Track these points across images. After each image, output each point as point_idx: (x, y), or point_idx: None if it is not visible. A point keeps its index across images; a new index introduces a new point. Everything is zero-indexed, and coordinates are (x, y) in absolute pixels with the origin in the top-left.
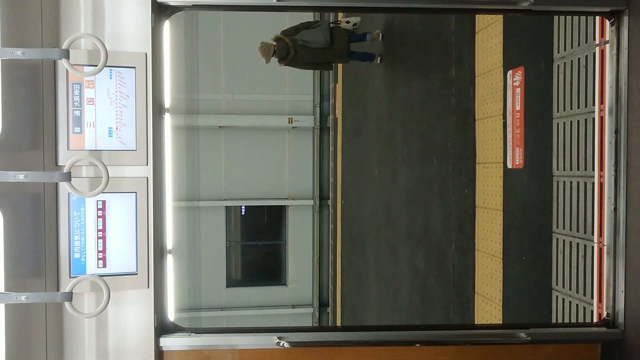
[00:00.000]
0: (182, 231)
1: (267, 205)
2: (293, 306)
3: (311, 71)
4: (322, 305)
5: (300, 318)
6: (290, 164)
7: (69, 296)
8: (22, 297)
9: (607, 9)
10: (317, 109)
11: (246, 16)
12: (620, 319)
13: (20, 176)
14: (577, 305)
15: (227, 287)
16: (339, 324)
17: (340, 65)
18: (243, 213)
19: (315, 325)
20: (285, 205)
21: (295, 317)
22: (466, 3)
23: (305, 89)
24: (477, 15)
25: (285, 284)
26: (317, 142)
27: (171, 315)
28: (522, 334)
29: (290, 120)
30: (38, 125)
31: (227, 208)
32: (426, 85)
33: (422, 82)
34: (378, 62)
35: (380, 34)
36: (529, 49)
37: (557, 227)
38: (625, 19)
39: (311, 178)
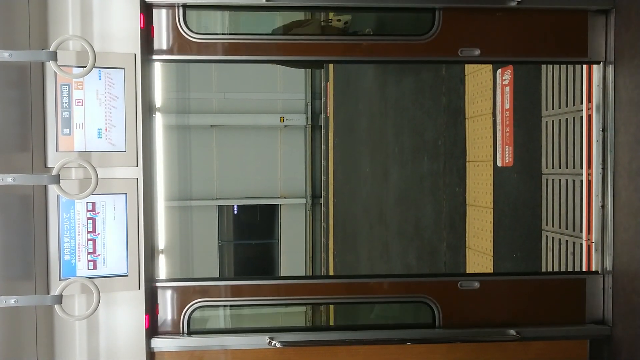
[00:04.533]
0: (174, 231)
1: (259, 204)
2: (286, 305)
3: (302, 70)
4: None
5: (294, 317)
6: (282, 162)
7: (59, 299)
8: (12, 301)
9: (594, 8)
10: (309, 108)
11: (237, 14)
12: (608, 315)
13: (9, 179)
14: None
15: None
16: (331, 322)
17: (331, 64)
18: (235, 212)
19: (308, 323)
20: (278, 204)
21: (288, 315)
22: (453, 2)
23: (296, 88)
24: None
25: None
26: (309, 140)
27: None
28: (512, 332)
29: (282, 119)
30: (26, 127)
31: (220, 207)
32: (417, 84)
33: (412, 81)
34: None
35: (371, 33)
36: None
37: (547, 225)
38: (612, 18)
39: (303, 176)
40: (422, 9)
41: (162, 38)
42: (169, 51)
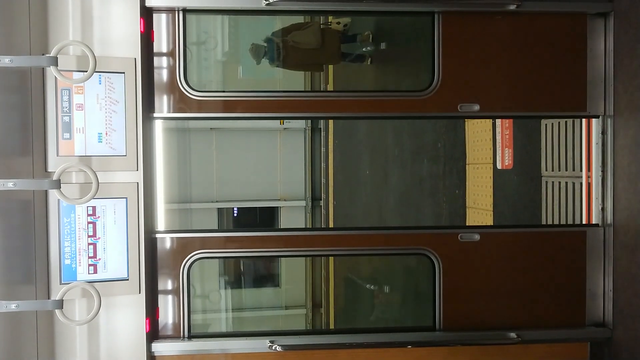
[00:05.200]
0: None
1: (259, 207)
2: (286, 307)
3: (302, 72)
4: (316, 306)
5: (294, 319)
6: (282, 165)
7: (60, 304)
8: (12, 306)
9: (593, 11)
10: None
11: (236, 18)
12: (609, 317)
13: (10, 184)
14: None
15: (219, 289)
16: (332, 325)
17: (330, 67)
18: (235, 215)
19: (308, 326)
20: (278, 207)
21: (288, 318)
22: (453, 5)
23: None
24: None
25: (279, 286)
26: (309, 143)
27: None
28: (513, 335)
29: (282, 121)
30: (27, 131)
31: (219, 210)
32: (416, 86)
33: (412, 83)
34: (368, 63)
35: (370, 35)
36: None
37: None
38: (611, 21)
39: (303, 179)
40: (420, 12)
41: (162, 97)
42: (170, 109)
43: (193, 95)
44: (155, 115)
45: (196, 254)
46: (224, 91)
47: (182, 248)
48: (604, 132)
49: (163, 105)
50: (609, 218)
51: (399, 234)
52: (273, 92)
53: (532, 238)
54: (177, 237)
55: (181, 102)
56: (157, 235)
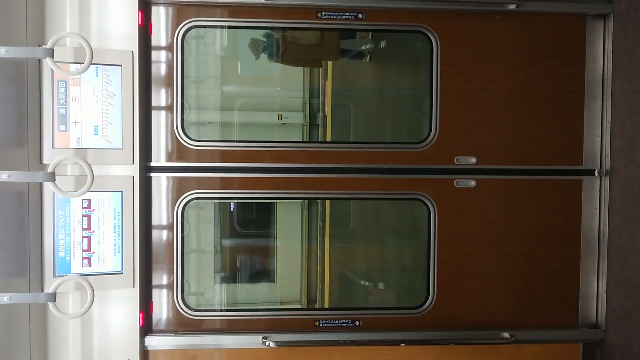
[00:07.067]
0: None
1: (256, 202)
2: (281, 303)
3: (301, 68)
4: (311, 302)
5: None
6: None
7: (53, 297)
8: (5, 298)
9: (592, 12)
10: (307, 106)
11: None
12: (602, 319)
13: (4, 176)
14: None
15: (214, 283)
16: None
17: (329, 63)
18: (232, 209)
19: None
20: (274, 202)
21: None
22: (452, 4)
23: (294, 86)
24: None
25: (274, 281)
26: (307, 139)
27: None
28: (506, 334)
29: (280, 116)
30: (22, 123)
31: (216, 205)
32: (415, 84)
33: (411, 81)
34: (367, 59)
35: (370, 32)
36: None
37: None
38: (610, 23)
39: None
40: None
41: (160, 146)
42: (168, 158)
43: (191, 145)
44: (152, 164)
45: (191, 194)
46: (221, 140)
47: (178, 187)
48: (600, 135)
49: (161, 154)
50: (604, 219)
51: (395, 178)
52: (270, 141)
53: (528, 184)
54: (172, 177)
55: (180, 152)
56: (152, 174)
